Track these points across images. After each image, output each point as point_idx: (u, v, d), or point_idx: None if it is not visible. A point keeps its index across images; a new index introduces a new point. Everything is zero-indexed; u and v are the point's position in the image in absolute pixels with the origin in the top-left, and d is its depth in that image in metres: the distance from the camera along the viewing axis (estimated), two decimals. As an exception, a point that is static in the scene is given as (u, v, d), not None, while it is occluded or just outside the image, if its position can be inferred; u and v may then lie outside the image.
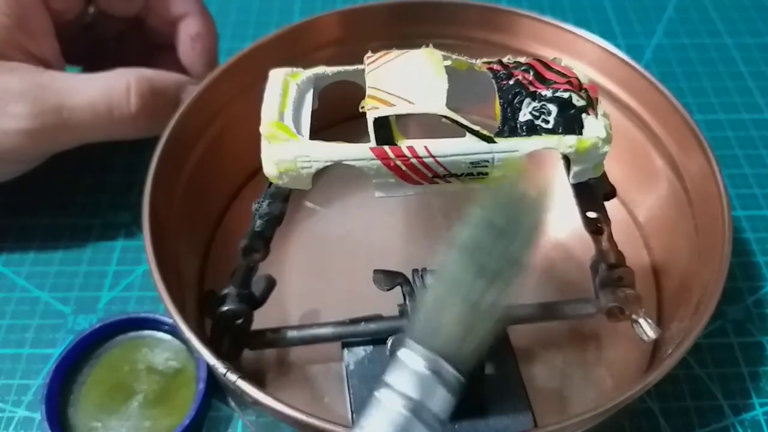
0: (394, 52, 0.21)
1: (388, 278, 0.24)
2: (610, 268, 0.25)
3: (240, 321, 0.24)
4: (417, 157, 0.20)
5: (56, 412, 0.25)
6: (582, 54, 0.30)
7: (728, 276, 0.23)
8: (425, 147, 0.20)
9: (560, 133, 0.20)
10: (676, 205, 0.28)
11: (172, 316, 0.22)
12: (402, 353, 0.18)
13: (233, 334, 0.25)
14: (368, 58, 0.22)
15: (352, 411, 0.24)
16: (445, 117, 0.20)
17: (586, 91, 0.21)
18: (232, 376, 0.20)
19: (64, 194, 0.33)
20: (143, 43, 0.34)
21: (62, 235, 0.32)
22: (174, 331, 0.27)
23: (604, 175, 0.23)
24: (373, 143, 0.20)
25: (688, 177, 0.28)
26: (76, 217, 0.32)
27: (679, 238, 0.28)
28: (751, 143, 0.36)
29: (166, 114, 0.28)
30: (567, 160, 0.21)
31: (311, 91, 0.22)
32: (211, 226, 0.31)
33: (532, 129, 0.20)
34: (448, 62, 0.21)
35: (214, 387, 0.26)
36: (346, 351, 0.25)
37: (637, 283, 0.26)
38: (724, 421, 0.26)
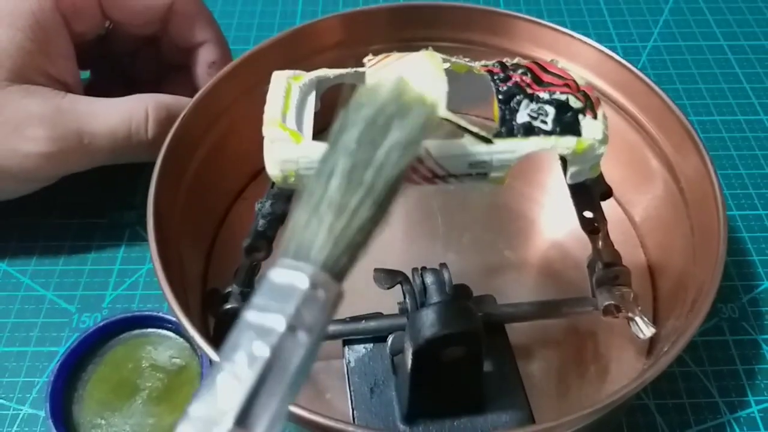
0: (395, 55, 0.22)
1: (389, 277, 0.24)
2: (607, 267, 0.25)
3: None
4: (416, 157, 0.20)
5: (61, 410, 0.25)
6: (578, 56, 0.31)
7: (723, 275, 0.23)
8: (425, 148, 0.20)
9: (557, 135, 0.20)
10: (671, 205, 0.29)
11: (175, 314, 0.22)
12: (274, 273, 0.16)
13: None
14: (369, 60, 0.22)
15: (353, 407, 0.24)
16: (445, 119, 0.20)
17: (584, 93, 0.21)
18: (236, 373, 0.21)
19: (69, 194, 0.33)
20: (156, 61, 0.34)
21: (67, 235, 0.32)
22: (178, 329, 0.28)
23: (600, 176, 0.23)
24: None
25: (684, 177, 0.28)
26: (81, 217, 0.33)
27: (674, 237, 0.28)
28: (747, 144, 0.37)
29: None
30: (564, 161, 0.22)
31: (313, 93, 0.22)
32: (214, 225, 0.31)
33: (529, 130, 0.20)
34: (447, 65, 0.21)
35: (217, 384, 0.27)
36: (346, 348, 0.26)
37: (634, 281, 0.26)
38: (719, 418, 0.27)
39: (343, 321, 0.26)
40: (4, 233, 0.32)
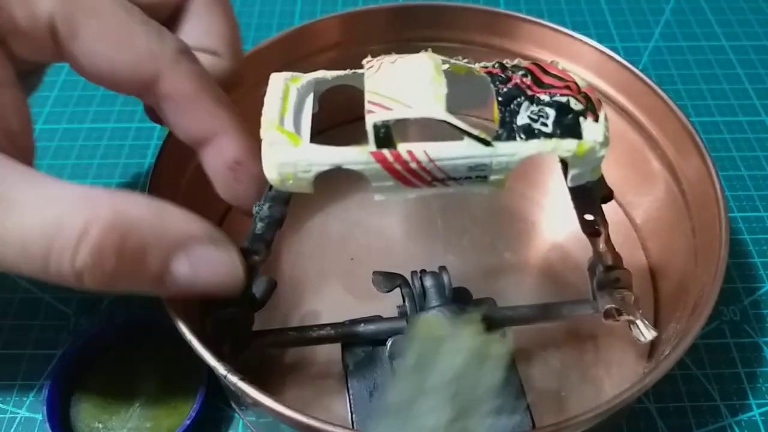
0: (393, 57, 0.22)
1: (388, 280, 0.24)
2: (608, 270, 0.25)
3: (241, 322, 0.25)
4: (416, 161, 0.20)
5: (58, 413, 0.25)
6: (579, 57, 0.31)
7: (725, 277, 0.23)
8: (424, 151, 0.20)
9: (558, 137, 0.20)
10: (673, 207, 0.29)
11: (172, 317, 0.22)
12: None
13: (234, 336, 0.25)
14: (368, 62, 0.22)
15: (351, 411, 0.24)
16: (445, 121, 0.20)
17: (585, 95, 0.21)
18: (233, 378, 0.21)
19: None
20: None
21: (64, 237, 0.32)
22: (175, 333, 0.28)
23: (601, 178, 0.23)
24: (372, 147, 0.20)
25: (685, 179, 0.28)
26: (77, 219, 0.33)
27: (676, 239, 0.28)
28: (748, 145, 0.37)
29: (139, 282, 0.19)
30: (565, 164, 0.21)
31: (311, 95, 0.22)
32: (212, 227, 0.31)
33: (530, 133, 0.20)
34: (447, 66, 0.21)
35: (215, 388, 0.27)
36: (345, 352, 0.26)
37: (635, 284, 0.26)
38: (721, 421, 0.26)
39: (342, 324, 0.25)
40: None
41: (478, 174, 0.20)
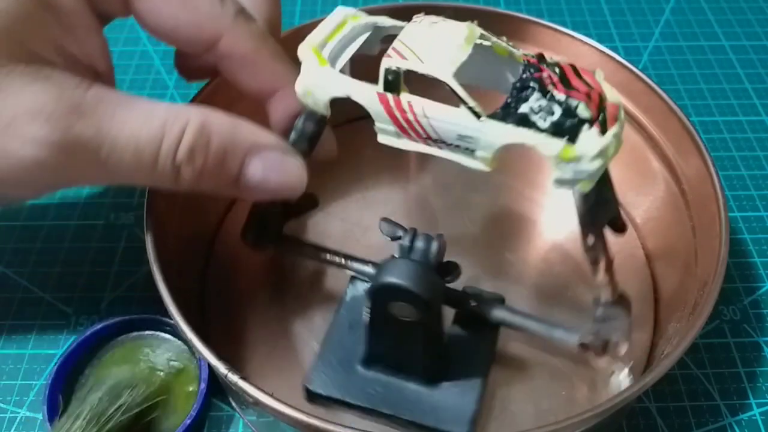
0: (439, 18, 0.22)
1: (391, 228, 0.24)
2: (602, 306, 0.23)
3: (272, 221, 0.26)
4: (413, 113, 0.21)
5: (58, 413, 0.25)
6: (579, 57, 0.31)
7: (725, 276, 0.23)
8: (422, 106, 0.21)
9: (548, 134, 0.20)
10: (673, 207, 0.29)
11: (173, 316, 0.22)
12: None
13: (262, 229, 0.26)
14: (417, 17, 0.23)
15: (327, 335, 0.26)
16: (447, 84, 0.20)
17: (604, 107, 0.20)
18: (233, 377, 0.21)
19: (67, 196, 0.33)
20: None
21: (65, 237, 0.32)
22: (175, 332, 0.28)
23: (610, 201, 0.22)
24: (380, 89, 0.21)
25: (685, 179, 0.28)
26: (78, 219, 0.33)
27: (676, 239, 0.28)
28: (748, 145, 0.37)
29: (220, 180, 0.22)
30: None
31: (365, 36, 0.23)
32: (212, 226, 0.31)
33: (523, 122, 0.20)
34: (489, 44, 0.22)
35: (216, 387, 0.27)
36: (350, 283, 0.27)
37: (635, 284, 0.26)
38: (721, 421, 0.26)
39: (353, 258, 0.27)
40: (2, 235, 0.32)
41: (466, 145, 0.21)
